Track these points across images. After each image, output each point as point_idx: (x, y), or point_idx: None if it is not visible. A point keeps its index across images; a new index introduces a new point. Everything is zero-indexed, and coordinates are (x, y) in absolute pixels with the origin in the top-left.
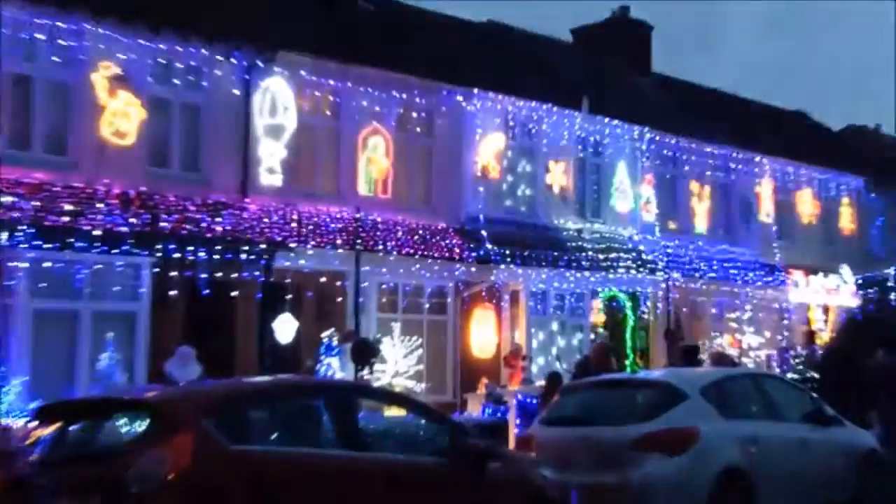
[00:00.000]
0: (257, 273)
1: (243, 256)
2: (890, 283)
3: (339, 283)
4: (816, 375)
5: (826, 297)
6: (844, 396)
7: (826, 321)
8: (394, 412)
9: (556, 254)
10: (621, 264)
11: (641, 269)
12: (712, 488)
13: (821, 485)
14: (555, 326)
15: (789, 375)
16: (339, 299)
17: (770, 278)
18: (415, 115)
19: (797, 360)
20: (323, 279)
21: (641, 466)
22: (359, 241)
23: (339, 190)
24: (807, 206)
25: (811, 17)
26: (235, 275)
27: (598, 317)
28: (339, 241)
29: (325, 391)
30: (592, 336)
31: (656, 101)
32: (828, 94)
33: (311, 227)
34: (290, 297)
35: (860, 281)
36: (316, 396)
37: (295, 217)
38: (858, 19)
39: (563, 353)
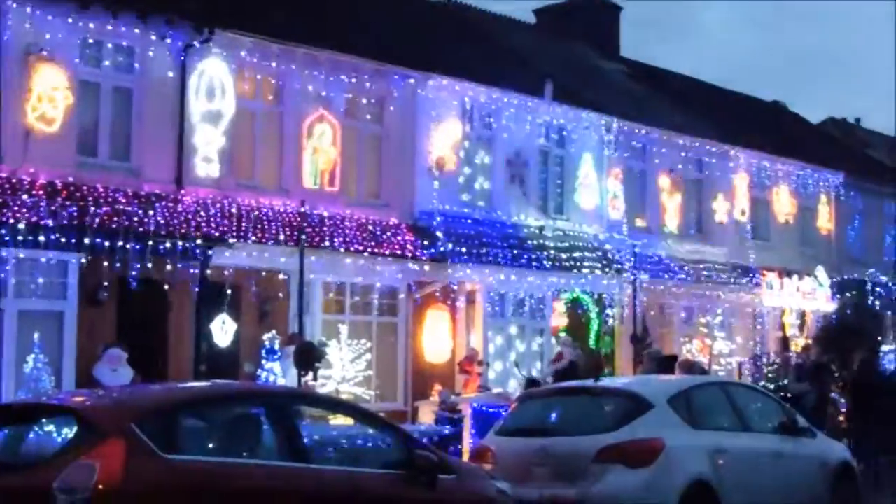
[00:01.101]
0: (193, 270)
1: (178, 252)
2: (868, 287)
3: (281, 282)
4: (791, 384)
5: (801, 302)
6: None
7: (801, 327)
8: (340, 421)
9: (515, 252)
10: (586, 264)
11: (607, 270)
12: (679, 502)
13: (793, 498)
14: (514, 330)
15: (762, 384)
16: (282, 299)
17: (743, 280)
18: (365, 101)
19: (770, 368)
20: (264, 277)
21: (603, 479)
22: (303, 236)
23: (283, 181)
24: (783, 203)
25: (791, 3)
26: (170, 272)
27: (560, 320)
28: (282, 237)
29: (265, 398)
30: (554, 341)
31: (625, 88)
32: (806, 85)
33: (251, 221)
34: (228, 296)
35: (837, 284)
36: (256, 404)
37: (234, 210)
38: (842, 7)
39: (522, 358)
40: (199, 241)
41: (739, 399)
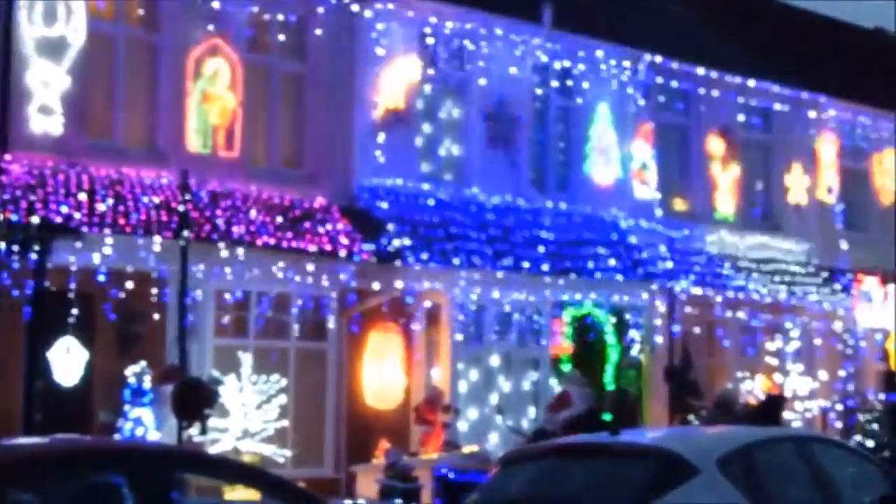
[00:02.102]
0: (23, 274)
1: (1, 247)
2: None
3: (154, 291)
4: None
5: None
6: None
7: None
8: (239, 495)
9: (498, 249)
10: (600, 266)
11: (631, 273)
12: None
13: None
14: (495, 361)
15: (856, 439)
16: (156, 316)
17: (830, 289)
18: (279, 26)
19: (868, 417)
20: (129, 285)
21: None
22: (187, 225)
23: (156, 143)
24: (888, 177)
25: None
26: None
27: (562, 346)
28: (154, 225)
29: (129, 461)
30: (554, 381)
31: (660, 10)
32: None
33: (110, 201)
34: (75, 312)
35: None
36: (115, 470)
37: (85, 186)
38: None
39: (508, 402)
40: (31, 232)
41: (823, 461)
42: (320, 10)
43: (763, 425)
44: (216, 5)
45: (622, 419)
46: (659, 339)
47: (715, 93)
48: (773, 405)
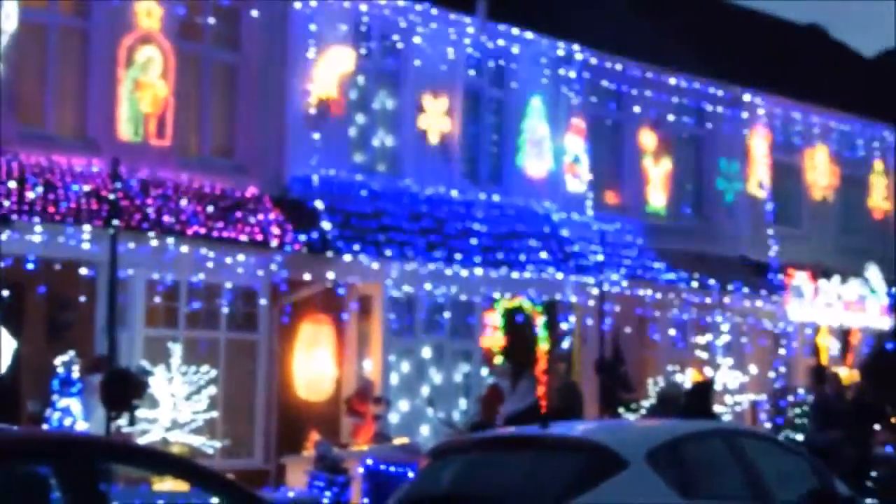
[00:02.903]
0: None
1: None
2: None
3: (84, 280)
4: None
5: (844, 315)
6: None
7: (845, 351)
8: (168, 486)
9: (430, 240)
10: (532, 257)
11: (563, 266)
12: None
13: None
14: (427, 353)
15: (785, 434)
16: (85, 305)
17: (761, 283)
18: (212, 14)
19: (798, 411)
20: (58, 273)
21: None
22: (117, 213)
23: (87, 131)
24: (820, 173)
25: None
26: None
27: (494, 338)
28: (84, 213)
29: (56, 452)
30: (486, 372)
31: (594, 3)
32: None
33: (40, 189)
34: (3, 301)
35: None
36: (41, 460)
37: (15, 173)
38: None
39: (439, 394)
40: None
41: (752, 455)
42: (255, 5)
43: (696, 414)
44: (150, 2)
45: (572, 413)
46: (590, 333)
47: (648, 87)
48: (702, 392)
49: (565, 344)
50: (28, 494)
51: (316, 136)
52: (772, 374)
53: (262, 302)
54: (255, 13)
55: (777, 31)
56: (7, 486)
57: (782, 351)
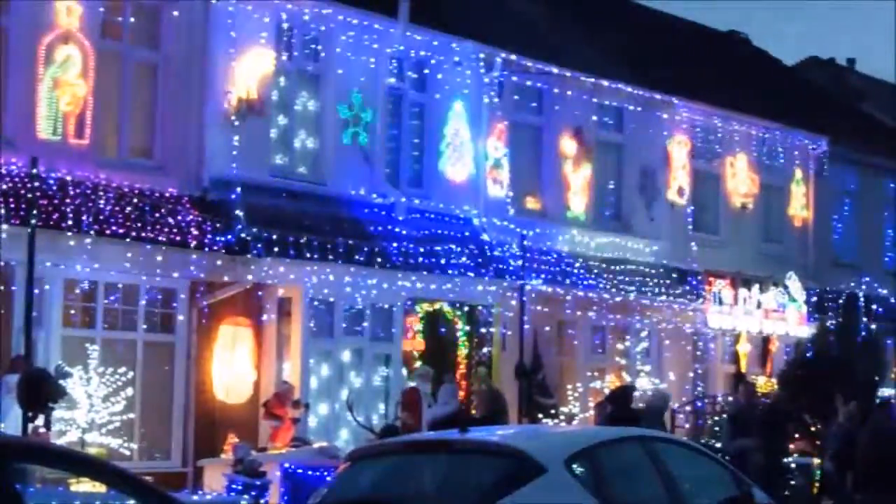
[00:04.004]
0: None
1: None
2: (860, 303)
3: (1, 280)
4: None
5: (764, 323)
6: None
7: (763, 359)
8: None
9: (351, 243)
10: (452, 261)
11: (483, 270)
12: None
13: None
14: (347, 356)
15: (703, 440)
16: (2, 306)
17: (680, 290)
18: (132, 14)
19: (717, 419)
20: None
21: None
22: (34, 213)
23: (5, 129)
24: (740, 180)
25: None
26: None
27: (414, 342)
28: (1, 212)
29: None
30: (406, 373)
31: (517, 8)
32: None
33: None
34: None
35: (816, 298)
36: None
37: None
38: None
39: (359, 398)
40: None
41: (670, 461)
42: (176, 5)
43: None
44: (69, 1)
45: (498, 419)
46: (510, 337)
47: (569, 92)
48: (624, 397)
49: (485, 349)
50: None
51: (236, 137)
52: (690, 381)
53: (181, 303)
54: (175, 12)
55: (699, 37)
56: None
57: (702, 358)
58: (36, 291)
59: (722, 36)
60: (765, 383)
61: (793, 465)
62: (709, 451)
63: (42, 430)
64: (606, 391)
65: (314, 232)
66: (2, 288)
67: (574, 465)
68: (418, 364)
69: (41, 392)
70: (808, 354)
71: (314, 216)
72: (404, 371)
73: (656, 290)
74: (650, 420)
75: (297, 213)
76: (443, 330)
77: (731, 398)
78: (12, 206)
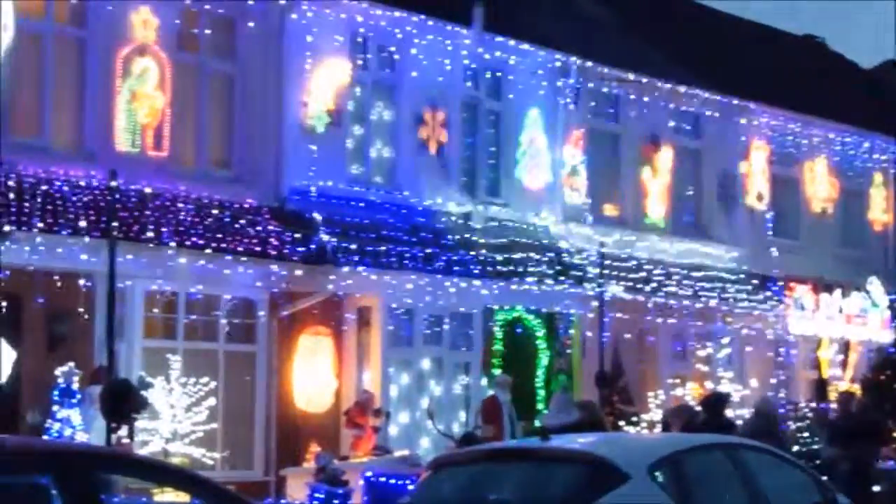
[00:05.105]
0: None
1: None
2: None
3: (83, 291)
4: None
5: (845, 328)
6: None
7: (844, 364)
8: (169, 498)
9: (429, 251)
10: (531, 269)
11: (562, 278)
12: None
13: None
14: (426, 364)
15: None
16: (84, 316)
17: (760, 296)
18: (208, 26)
19: (800, 425)
20: (57, 284)
21: None
22: (115, 224)
23: (85, 142)
24: (819, 185)
25: None
26: None
27: (494, 350)
28: (82, 224)
29: (57, 462)
30: (485, 382)
31: (592, 14)
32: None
33: (37, 199)
34: (3, 311)
35: None
36: (41, 469)
37: (12, 183)
38: None
39: (440, 407)
40: None
41: (754, 469)
42: (250, 9)
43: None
44: (146, 11)
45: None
46: (589, 345)
47: (645, 98)
48: (716, 404)
49: (565, 357)
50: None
51: (313, 147)
52: (772, 387)
53: (261, 313)
54: (251, 24)
55: (775, 42)
56: (8, 496)
57: (783, 364)
58: (117, 303)
59: (798, 40)
60: (846, 389)
61: (879, 471)
62: (792, 458)
63: (125, 440)
64: (688, 399)
65: (392, 241)
66: (85, 299)
67: (657, 473)
68: (498, 372)
69: (124, 403)
70: (890, 358)
71: (391, 225)
72: (484, 380)
73: (737, 296)
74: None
75: (374, 222)
76: (522, 338)
77: (817, 405)
78: (93, 218)
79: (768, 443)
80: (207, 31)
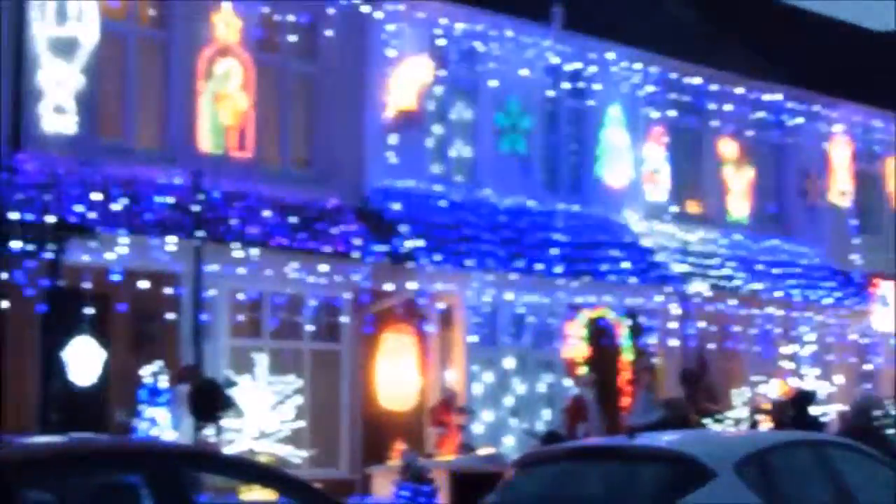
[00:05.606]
0: (38, 273)
1: (15, 247)
2: None
3: (169, 291)
4: None
5: None
6: None
7: None
8: (256, 496)
9: (511, 250)
10: (613, 267)
11: (645, 277)
12: None
13: None
14: (509, 363)
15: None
16: (171, 316)
17: (843, 293)
18: (291, 27)
19: (885, 422)
20: (144, 284)
21: None
22: (200, 225)
23: (169, 143)
24: None
25: None
26: (2, 275)
27: (577, 348)
28: (168, 225)
29: (146, 461)
30: (570, 383)
31: (672, 13)
32: None
33: (123, 200)
34: (90, 311)
35: None
36: (131, 468)
37: (98, 185)
38: None
39: (524, 405)
40: (45, 231)
41: (840, 466)
42: (331, 11)
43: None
44: (228, 13)
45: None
46: (673, 343)
47: (727, 95)
48: (802, 402)
49: (649, 355)
50: (121, 501)
51: (394, 146)
52: (857, 384)
53: (344, 312)
54: (332, 26)
55: (856, 37)
56: (98, 494)
57: (868, 359)
58: (202, 303)
59: (880, 36)
60: None
61: None
62: (880, 455)
63: (212, 439)
64: (773, 397)
65: (473, 240)
66: (171, 299)
67: (744, 470)
68: (581, 371)
69: (212, 402)
70: None
71: (473, 224)
72: (567, 379)
73: (820, 292)
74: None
75: (455, 221)
76: (605, 337)
77: None
78: (178, 218)
79: (866, 440)
80: (289, 32)
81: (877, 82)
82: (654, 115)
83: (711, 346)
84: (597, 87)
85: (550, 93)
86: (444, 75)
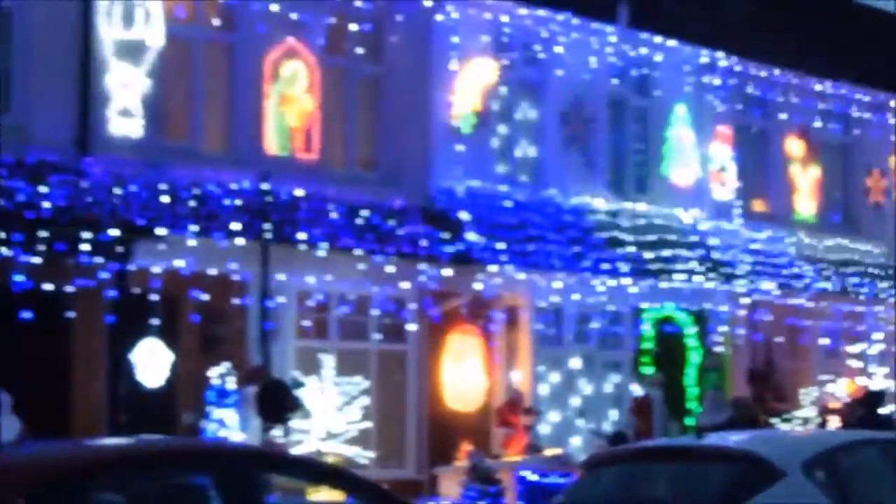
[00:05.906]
0: (106, 276)
1: (84, 249)
2: None
3: (237, 293)
4: None
5: None
6: None
7: None
8: (324, 496)
9: (577, 250)
10: (680, 267)
11: (712, 276)
12: None
13: None
14: (576, 363)
15: None
16: (238, 317)
17: None
18: (355, 28)
19: None
20: (211, 286)
21: None
22: (266, 227)
23: (236, 146)
24: None
25: None
26: (72, 278)
27: (644, 348)
28: (234, 228)
29: (214, 462)
30: (635, 381)
31: (738, 9)
32: None
33: (190, 203)
34: (158, 314)
35: None
36: (200, 470)
37: (165, 188)
38: None
39: (591, 406)
40: (113, 234)
41: None
42: (399, 16)
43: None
44: (294, 15)
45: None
46: (740, 342)
47: (793, 94)
48: (872, 402)
49: (716, 354)
50: (190, 502)
51: (459, 147)
52: None
53: (411, 313)
54: (397, 26)
55: None
56: (167, 496)
57: None
58: (270, 304)
59: None
60: None
61: None
62: None
63: (280, 440)
64: (841, 395)
65: (539, 240)
66: (238, 301)
67: (812, 469)
68: (648, 371)
69: (280, 402)
70: None
71: (538, 224)
72: (634, 379)
73: (888, 291)
74: None
75: (521, 221)
76: (672, 336)
77: None
78: (245, 221)
79: None
80: (355, 34)
81: None
82: (720, 109)
83: (778, 345)
84: (662, 85)
85: (615, 88)
86: (508, 75)
